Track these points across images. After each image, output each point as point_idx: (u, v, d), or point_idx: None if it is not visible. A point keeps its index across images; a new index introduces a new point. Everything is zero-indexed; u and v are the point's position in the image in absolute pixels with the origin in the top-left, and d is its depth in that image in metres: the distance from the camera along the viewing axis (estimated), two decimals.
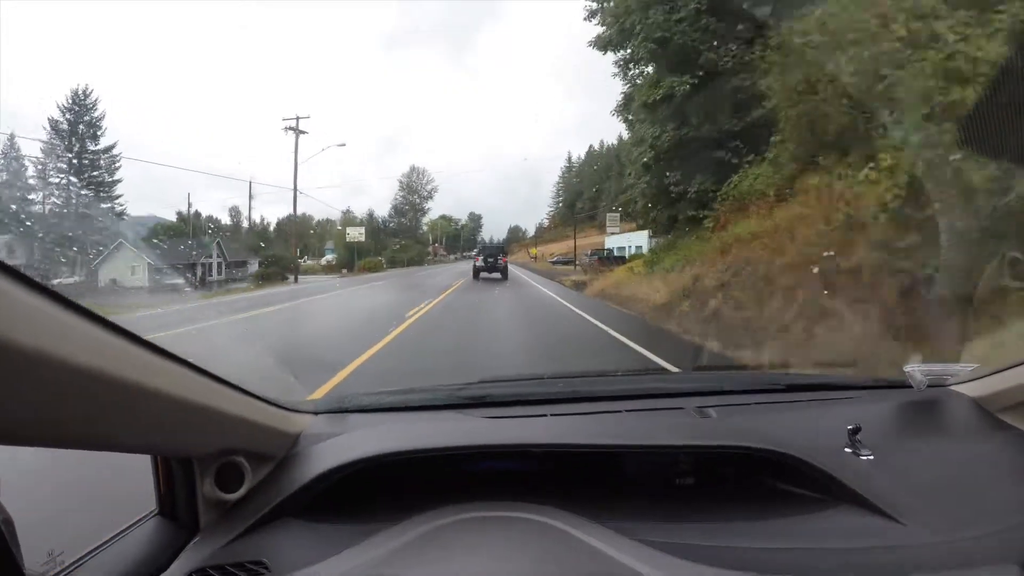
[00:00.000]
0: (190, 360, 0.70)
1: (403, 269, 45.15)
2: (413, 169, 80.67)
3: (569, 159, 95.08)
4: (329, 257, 48.66)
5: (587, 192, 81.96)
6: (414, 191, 78.33)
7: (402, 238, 62.05)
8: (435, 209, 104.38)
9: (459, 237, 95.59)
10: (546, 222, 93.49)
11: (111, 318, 0.58)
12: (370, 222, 66.50)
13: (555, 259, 51.63)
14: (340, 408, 1.27)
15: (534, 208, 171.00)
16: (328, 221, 64.74)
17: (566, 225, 79.29)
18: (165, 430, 0.70)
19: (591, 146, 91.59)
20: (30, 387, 0.48)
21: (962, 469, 1.00)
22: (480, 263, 22.86)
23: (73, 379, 0.51)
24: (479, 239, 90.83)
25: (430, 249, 76.02)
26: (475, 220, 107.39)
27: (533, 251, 54.85)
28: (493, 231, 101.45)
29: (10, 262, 0.55)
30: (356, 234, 47.13)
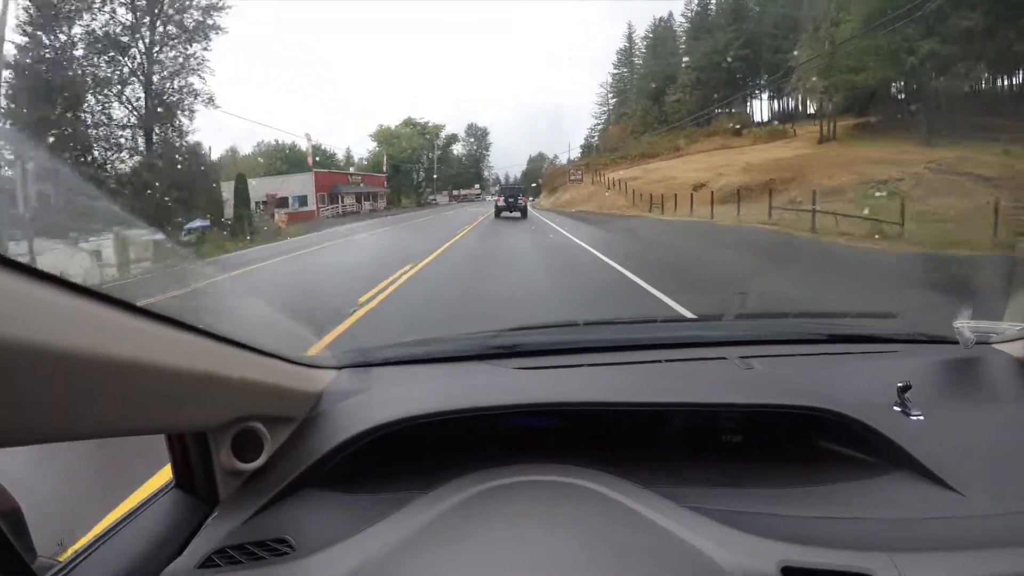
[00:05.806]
0: (190, 322, 0.61)
1: None
2: None
3: (630, 36, 57.58)
4: None
5: (685, 72, 45.95)
6: None
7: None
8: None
9: (435, 161, 59.08)
10: (595, 139, 59.33)
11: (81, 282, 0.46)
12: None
13: None
14: (364, 362, 1.19)
15: (551, 145, 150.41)
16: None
17: (649, 131, 44.82)
18: (169, 409, 0.62)
19: (657, 18, 54.87)
20: None
21: (1015, 434, 0.96)
22: (501, 203, 25.69)
23: (49, 364, 0.41)
24: (486, 173, 70.35)
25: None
26: (479, 137, 69.70)
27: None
28: (504, 163, 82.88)
29: None
30: None
